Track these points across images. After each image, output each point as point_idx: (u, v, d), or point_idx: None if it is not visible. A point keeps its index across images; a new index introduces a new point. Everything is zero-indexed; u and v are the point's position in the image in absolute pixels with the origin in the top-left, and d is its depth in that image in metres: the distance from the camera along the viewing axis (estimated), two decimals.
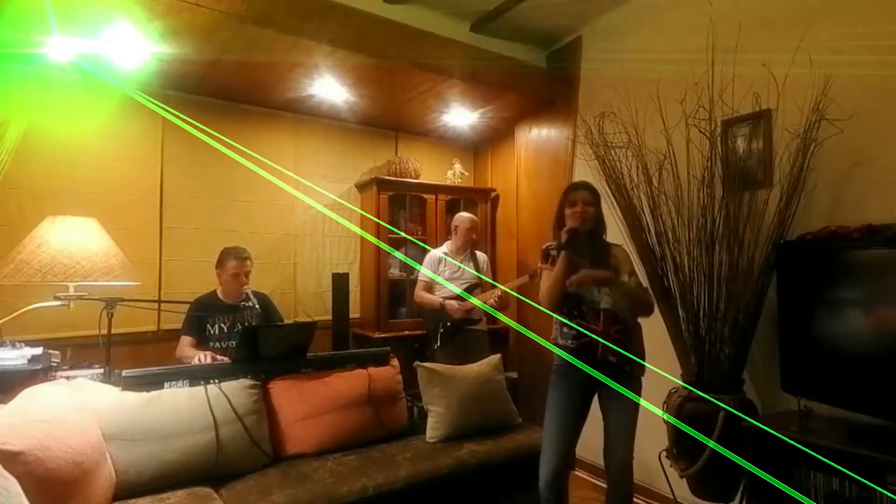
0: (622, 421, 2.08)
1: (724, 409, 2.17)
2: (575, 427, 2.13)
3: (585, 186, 2.19)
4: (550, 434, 2.10)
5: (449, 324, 3.28)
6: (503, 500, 2.31)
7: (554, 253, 2.13)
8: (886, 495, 1.67)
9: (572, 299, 2.12)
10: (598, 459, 2.27)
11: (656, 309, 2.24)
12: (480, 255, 3.49)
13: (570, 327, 2.10)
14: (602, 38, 3.43)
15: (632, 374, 2.09)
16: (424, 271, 3.44)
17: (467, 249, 3.45)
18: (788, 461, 1.97)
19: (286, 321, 3.42)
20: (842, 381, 1.98)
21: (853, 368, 1.94)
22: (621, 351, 2.04)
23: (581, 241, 2.07)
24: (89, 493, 1.63)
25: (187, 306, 2.79)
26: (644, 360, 2.12)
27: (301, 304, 3.84)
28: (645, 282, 2.55)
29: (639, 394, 2.11)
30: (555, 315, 2.18)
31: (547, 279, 2.13)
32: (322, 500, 1.92)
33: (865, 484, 1.73)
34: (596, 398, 2.18)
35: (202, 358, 2.51)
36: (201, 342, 2.73)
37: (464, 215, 3.49)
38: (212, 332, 2.77)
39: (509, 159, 4.24)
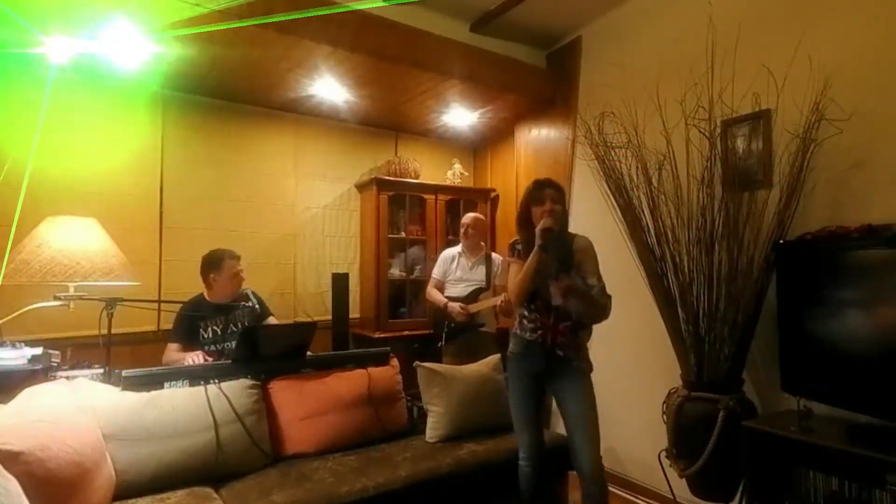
0: (577, 416, 2.11)
1: (723, 408, 2.17)
2: (536, 406, 2.24)
3: (551, 184, 2.20)
4: (516, 416, 2.24)
5: (453, 324, 3.27)
6: (503, 499, 2.30)
7: (520, 248, 2.23)
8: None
9: (530, 294, 2.18)
10: None
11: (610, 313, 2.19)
12: (496, 256, 3.42)
13: (530, 319, 2.18)
14: (602, 38, 3.43)
15: (580, 370, 2.13)
16: (435, 269, 3.46)
17: (480, 250, 3.41)
18: (788, 461, 1.97)
19: (286, 321, 3.41)
20: (841, 381, 1.98)
21: (853, 368, 1.94)
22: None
23: (554, 239, 2.10)
24: (89, 493, 1.63)
25: (177, 311, 2.71)
26: (588, 359, 2.18)
27: (301, 304, 3.84)
28: (645, 279, 2.56)
29: (588, 390, 2.13)
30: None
31: (516, 273, 2.17)
32: (322, 500, 1.91)
33: (865, 484, 1.73)
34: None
35: (195, 359, 2.49)
36: (193, 347, 2.65)
37: (468, 215, 3.45)
38: (205, 336, 2.70)
39: (509, 159, 4.24)
